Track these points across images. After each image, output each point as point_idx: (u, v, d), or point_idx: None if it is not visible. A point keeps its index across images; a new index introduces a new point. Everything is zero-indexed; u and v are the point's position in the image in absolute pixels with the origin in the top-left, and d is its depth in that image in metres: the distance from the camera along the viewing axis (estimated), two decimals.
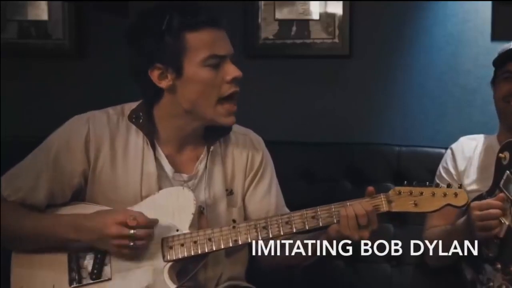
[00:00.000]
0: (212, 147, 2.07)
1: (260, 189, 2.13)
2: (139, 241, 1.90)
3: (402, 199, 1.92)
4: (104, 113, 2.07)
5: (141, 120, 2.04)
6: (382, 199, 1.92)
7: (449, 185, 1.94)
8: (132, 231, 1.88)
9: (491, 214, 2.09)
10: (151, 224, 1.92)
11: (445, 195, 1.91)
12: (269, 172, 2.16)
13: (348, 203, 1.93)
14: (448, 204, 1.91)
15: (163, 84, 1.97)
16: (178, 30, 1.92)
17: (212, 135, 2.07)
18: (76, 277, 1.98)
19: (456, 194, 1.91)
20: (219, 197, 2.07)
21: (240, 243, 1.94)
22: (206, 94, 1.96)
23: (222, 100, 1.98)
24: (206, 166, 2.06)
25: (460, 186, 1.94)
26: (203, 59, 1.94)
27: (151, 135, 2.03)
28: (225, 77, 1.96)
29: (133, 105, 2.08)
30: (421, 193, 1.92)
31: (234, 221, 2.04)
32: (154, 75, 1.97)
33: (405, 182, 1.94)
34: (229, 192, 2.10)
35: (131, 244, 1.90)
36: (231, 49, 1.99)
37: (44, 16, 3.10)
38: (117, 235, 1.89)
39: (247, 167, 2.13)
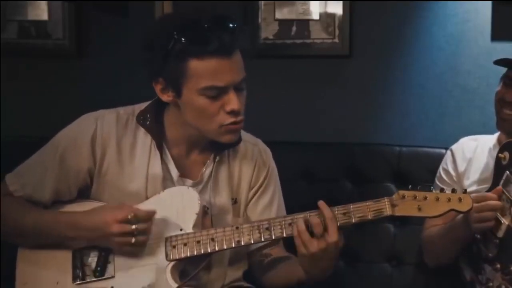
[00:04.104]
0: (218, 157, 2.06)
1: (261, 202, 2.13)
2: (141, 237, 1.91)
3: (406, 203, 1.91)
4: (114, 112, 2.06)
5: (148, 122, 2.03)
6: (386, 202, 1.92)
7: (453, 190, 1.93)
8: (134, 226, 1.89)
9: (488, 206, 2.10)
10: (149, 216, 1.92)
11: (449, 200, 1.90)
12: (272, 186, 2.15)
13: (351, 206, 1.92)
14: (452, 210, 1.91)
15: (165, 98, 1.97)
16: (182, 55, 1.88)
17: (220, 145, 2.04)
18: (80, 274, 1.99)
19: (460, 199, 1.90)
20: (224, 206, 2.07)
21: (242, 243, 1.94)
22: (204, 119, 1.94)
23: (224, 125, 1.95)
24: (211, 174, 2.06)
25: (465, 191, 1.93)
26: (201, 88, 1.90)
27: (159, 137, 2.03)
28: (224, 107, 1.92)
29: (144, 105, 2.07)
30: (425, 198, 1.90)
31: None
32: (157, 87, 1.96)
33: (410, 186, 1.92)
34: (234, 201, 2.09)
35: (133, 240, 1.90)
36: (236, 78, 1.92)
37: (44, 16, 3.10)
38: (119, 233, 1.90)
39: (252, 178, 2.12)
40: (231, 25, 1.91)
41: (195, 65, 1.89)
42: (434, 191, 1.92)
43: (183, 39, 1.87)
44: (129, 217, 1.89)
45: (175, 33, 1.88)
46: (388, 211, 1.91)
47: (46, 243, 2.01)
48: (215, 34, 1.87)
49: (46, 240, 2.01)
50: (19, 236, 2.05)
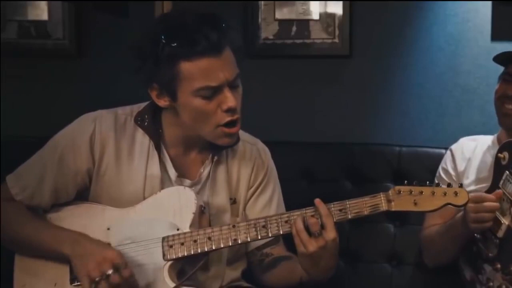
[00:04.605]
0: (216, 157, 2.06)
1: (260, 201, 2.12)
2: None
3: (402, 198, 1.91)
4: (112, 113, 2.06)
5: (146, 123, 2.03)
6: (382, 198, 1.91)
7: (449, 185, 1.93)
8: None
9: (485, 207, 2.10)
10: (125, 280, 1.89)
11: (445, 194, 1.90)
12: (271, 185, 2.15)
13: (347, 202, 1.92)
14: (448, 203, 1.91)
15: (161, 103, 1.97)
16: (172, 58, 1.87)
17: (218, 145, 2.04)
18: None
19: (456, 193, 1.90)
20: (223, 206, 2.07)
21: (239, 242, 1.94)
22: (202, 121, 1.94)
23: (221, 125, 1.95)
24: (209, 174, 2.06)
25: (461, 186, 1.93)
26: (195, 89, 1.90)
27: (157, 137, 2.03)
28: (221, 106, 1.92)
29: (142, 106, 2.07)
30: (421, 192, 1.90)
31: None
32: (153, 93, 1.96)
33: (405, 181, 1.93)
34: (233, 201, 2.09)
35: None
36: (229, 76, 1.91)
37: (44, 16, 3.10)
38: (92, 276, 1.89)
39: (251, 178, 2.12)
40: (217, 23, 1.91)
41: (186, 67, 1.89)
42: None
43: (170, 42, 1.87)
44: (107, 272, 1.87)
45: (162, 37, 1.87)
46: (384, 207, 1.91)
47: (43, 254, 2.01)
48: (202, 34, 1.87)
49: (43, 253, 2.01)
50: (17, 245, 2.05)
